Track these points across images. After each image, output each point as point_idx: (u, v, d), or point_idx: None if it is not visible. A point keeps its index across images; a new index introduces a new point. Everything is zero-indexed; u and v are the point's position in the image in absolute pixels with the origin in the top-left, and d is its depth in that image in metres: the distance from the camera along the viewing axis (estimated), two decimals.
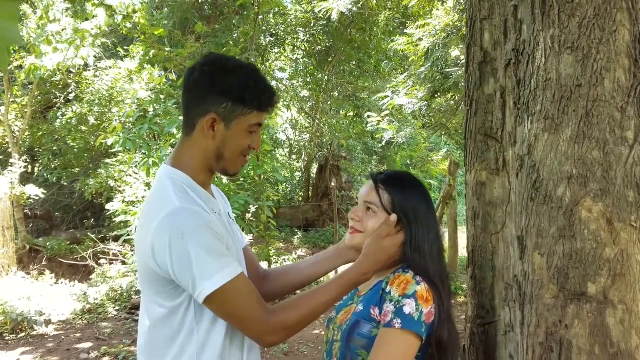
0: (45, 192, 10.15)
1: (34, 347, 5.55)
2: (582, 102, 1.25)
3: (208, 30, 10.50)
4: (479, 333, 1.57)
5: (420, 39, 5.73)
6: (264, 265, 6.83)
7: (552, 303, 1.26)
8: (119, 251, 8.24)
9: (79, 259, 8.71)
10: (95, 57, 8.79)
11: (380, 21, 10.41)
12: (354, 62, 12.07)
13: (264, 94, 1.44)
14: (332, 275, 1.67)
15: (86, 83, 10.11)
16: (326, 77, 12.17)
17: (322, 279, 1.80)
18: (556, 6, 1.29)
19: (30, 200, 9.87)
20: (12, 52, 8.17)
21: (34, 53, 8.14)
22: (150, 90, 7.86)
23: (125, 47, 9.62)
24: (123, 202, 6.99)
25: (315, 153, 13.66)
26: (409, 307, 1.32)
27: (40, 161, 11.77)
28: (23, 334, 5.89)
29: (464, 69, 1.75)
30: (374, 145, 13.62)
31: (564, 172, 1.26)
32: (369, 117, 7.33)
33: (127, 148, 6.44)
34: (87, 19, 8.14)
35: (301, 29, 11.64)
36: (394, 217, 1.44)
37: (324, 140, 13.05)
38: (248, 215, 7.12)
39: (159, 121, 6.62)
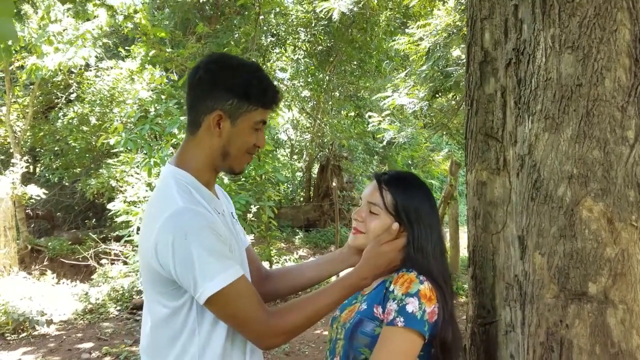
0: (46, 192, 10.17)
1: (35, 347, 5.56)
2: (583, 101, 1.25)
3: (209, 31, 10.51)
4: (480, 333, 1.57)
5: (421, 39, 5.72)
6: (265, 265, 6.82)
7: (552, 303, 1.26)
8: (120, 251, 8.25)
9: (80, 259, 8.72)
10: (96, 57, 8.79)
11: (381, 21, 10.41)
12: (355, 62, 12.07)
13: (268, 91, 1.44)
14: (334, 278, 1.67)
15: (87, 83, 10.12)
16: (327, 77, 12.16)
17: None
18: (556, 5, 1.29)
19: (31, 201, 9.89)
20: (14, 52, 8.18)
21: (35, 53, 8.15)
22: (152, 91, 7.87)
23: (126, 48, 9.62)
24: (124, 202, 7.00)
25: (317, 153, 13.66)
26: (412, 305, 1.32)
27: (42, 161, 11.78)
28: (24, 334, 5.90)
29: (464, 68, 1.75)
30: (375, 145, 13.62)
31: (564, 172, 1.26)
32: (370, 117, 7.33)
33: (129, 148, 6.45)
34: (88, 19, 8.15)
35: (302, 29, 11.64)
36: (395, 226, 1.45)
37: (325, 140, 13.05)
38: (249, 215, 7.13)
39: (160, 121, 6.63)
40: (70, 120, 10.41)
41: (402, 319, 1.31)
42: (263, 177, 7.59)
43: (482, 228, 1.59)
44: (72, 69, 9.45)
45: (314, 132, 13.37)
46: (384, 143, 8.46)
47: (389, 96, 6.29)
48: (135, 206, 6.75)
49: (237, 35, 10.35)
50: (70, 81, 10.79)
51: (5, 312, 6.07)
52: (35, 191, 9.22)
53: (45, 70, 8.17)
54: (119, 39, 11.13)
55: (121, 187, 7.86)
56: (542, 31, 1.31)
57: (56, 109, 11.15)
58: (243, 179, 7.23)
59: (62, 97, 11.15)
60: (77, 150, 10.85)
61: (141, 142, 6.43)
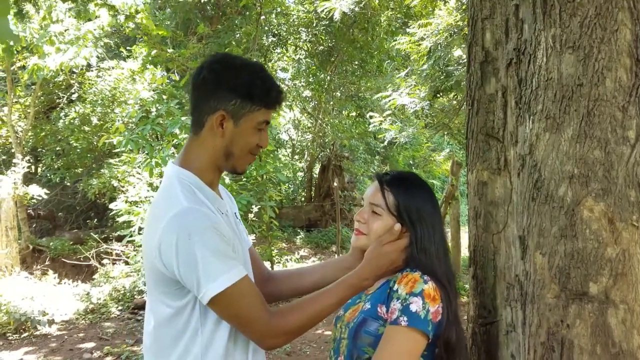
0: (48, 192, 10.19)
1: (37, 346, 5.56)
2: (584, 101, 1.25)
3: (210, 31, 10.51)
4: (481, 333, 1.56)
5: (422, 39, 5.72)
6: (266, 264, 6.82)
7: (553, 303, 1.26)
8: (121, 251, 8.26)
9: (82, 259, 8.73)
10: (98, 57, 8.82)
11: (382, 21, 10.40)
12: (356, 62, 12.06)
13: (271, 91, 1.44)
14: None
15: (89, 83, 10.14)
16: (328, 77, 12.16)
17: None
18: (557, 5, 1.29)
19: (33, 201, 9.91)
20: (16, 52, 8.20)
21: (36, 53, 8.16)
22: (153, 91, 7.88)
23: (127, 48, 9.64)
24: (126, 202, 7.01)
25: (318, 153, 13.66)
26: (416, 305, 1.32)
27: (44, 161, 11.81)
28: (26, 334, 5.91)
29: (465, 68, 1.75)
30: (376, 145, 13.62)
31: (565, 172, 1.26)
32: (371, 117, 7.33)
33: (130, 149, 6.46)
34: (89, 20, 8.16)
35: (303, 29, 11.63)
36: (397, 227, 1.45)
37: (327, 140, 13.05)
38: (250, 216, 7.13)
39: (161, 121, 6.63)
40: (71, 121, 10.42)
41: (405, 319, 1.31)
42: (264, 177, 7.60)
43: (483, 228, 1.58)
44: (74, 69, 9.47)
45: (315, 132, 13.37)
46: (385, 143, 8.46)
47: (389, 96, 6.29)
48: (137, 206, 6.76)
49: (238, 36, 10.36)
50: (72, 81, 10.80)
51: (7, 312, 6.08)
52: (36, 191, 9.23)
53: (46, 71, 8.19)
54: (120, 39, 11.14)
55: (123, 187, 7.87)
56: (543, 31, 1.31)
57: (58, 109, 11.17)
58: (244, 179, 7.24)
59: (63, 97, 11.16)
60: (78, 150, 10.87)
61: (142, 143, 6.44)
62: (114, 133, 7.09)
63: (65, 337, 5.88)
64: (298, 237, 12.46)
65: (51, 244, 9.74)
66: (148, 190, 6.87)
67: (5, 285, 7.20)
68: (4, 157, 11.29)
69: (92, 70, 10.04)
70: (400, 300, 1.34)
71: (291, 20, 11.48)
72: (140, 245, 6.70)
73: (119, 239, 8.05)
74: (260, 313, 1.35)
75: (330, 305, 1.42)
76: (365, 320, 1.40)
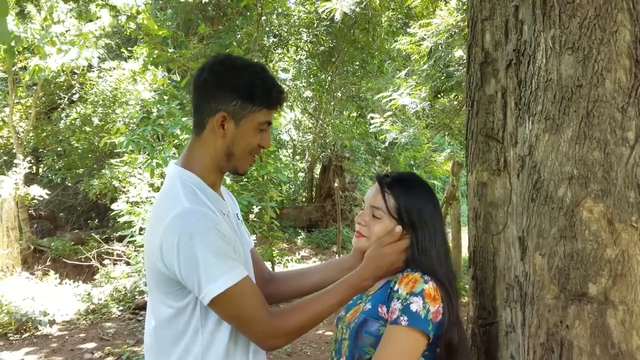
0: (49, 192, 10.20)
1: (38, 347, 5.57)
2: (583, 102, 1.25)
3: (211, 31, 10.52)
4: (480, 334, 1.57)
5: (423, 39, 5.73)
6: (267, 265, 6.82)
7: (552, 303, 1.26)
8: (122, 251, 8.26)
9: (83, 260, 8.74)
10: (99, 58, 8.82)
11: (383, 21, 10.40)
12: (357, 63, 12.07)
13: (272, 92, 1.44)
14: None
15: (90, 84, 10.15)
16: (329, 78, 12.16)
17: None
18: (557, 6, 1.29)
19: (34, 201, 9.91)
20: (17, 53, 8.22)
21: (38, 54, 8.18)
22: (154, 91, 7.89)
23: (129, 48, 9.65)
24: (127, 202, 7.02)
25: (319, 153, 13.67)
26: (416, 304, 1.32)
27: (45, 162, 11.83)
28: (27, 334, 5.92)
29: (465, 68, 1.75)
30: (377, 145, 13.63)
31: (564, 173, 1.26)
32: (372, 118, 7.34)
33: (131, 149, 6.47)
34: (90, 20, 8.17)
35: (304, 30, 11.64)
36: (398, 229, 1.45)
37: (327, 141, 13.06)
38: (251, 216, 7.14)
39: (162, 122, 6.64)
40: (73, 121, 10.44)
41: (405, 318, 1.31)
42: (265, 177, 7.60)
43: (482, 229, 1.59)
44: (75, 70, 9.49)
45: (316, 132, 13.37)
46: (386, 144, 8.46)
47: (390, 96, 6.29)
48: (138, 207, 6.77)
49: (239, 36, 10.37)
50: (73, 82, 10.82)
51: (8, 312, 6.09)
52: (38, 192, 9.24)
53: (48, 71, 8.20)
54: (121, 40, 11.16)
55: (124, 187, 7.88)
56: (543, 32, 1.31)
57: (59, 109, 11.19)
58: (245, 180, 7.24)
59: (64, 97, 11.18)
60: (79, 150, 10.89)
61: (143, 143, 6.45)
62: (115, 134, 7.10)
63: (66, 337, 5.88)
64: (299, 237, 12.47)
65: (52, 244, 9.75)
66: (149, 191, 6.88)
67: (7, 286, 7.21)
68: (5, 158, 11.31)
69: (93, 71, 10.06)
70: (400, 300, 1.34)
71: (292, 20, 11.48)
72: (141, 246, 6.72)
73: (120, 239, 8.06)
74: (261, 314, 1.35)
75: (330, 305, 1.43)
76: (366, 321, 1.40)
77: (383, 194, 1.48)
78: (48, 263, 9.15)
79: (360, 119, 13.15)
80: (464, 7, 5.19)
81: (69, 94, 11.09)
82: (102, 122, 9.81)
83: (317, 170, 14.85)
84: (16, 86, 10.10)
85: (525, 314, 1.33)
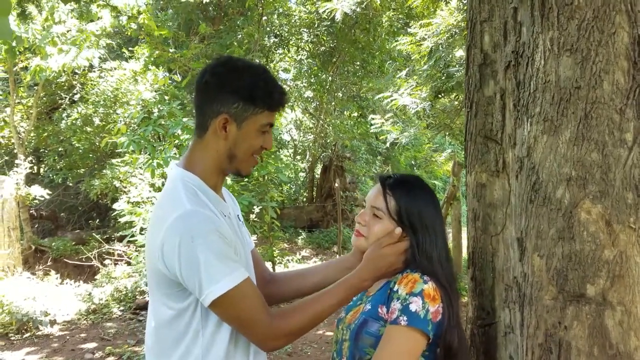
0: (50, 192, 10.21)
1: (39, 347, 5.58)
2: (581, 104, 1.25)
3: (212, 31, 10.53)
4: (479, 334, 1.57)
5: (423, 39, 5.73)
6: (267, 265, 6.82)
7: (551, 304, 1.26)
8: (123, 252, 8.27)
9: (84, 260, 8.75)
10: (100, 58, 8.83)
11: (384, 22, 10.41)
12: (358, 63, 12.07)
13: (274, 94, 1.44)
14: None
15: (91, 84, 10.16)
16: (330, 78, 12.17)
17: None
18: (555, 8, 1.29)
19: (35, 201, 9.93)
20: (18, 53, 8.23)
21: (39, 54, 8.18)
22: (155, 92, 7.89)
23: (130, 49, 9.66)
24: (128, 202, 7.03)
25: (319, 153, 13.67)
26: (416, 304, 1.32)
27: (46, 162, 11.84)
28: (28, 334, 5.93)
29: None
30: (378, 145, 13.63)
31: (563, 174, 1.26)
32: (372, 119, 7.34)
33: (132, 149, 6.48)
34: (92, 21, 8.18)
35: (305, 30, 11.65)
36: (398, 231, 1.45)
37: (328, 141, 13.06)
38: (252, 216, 7.14)
39: (163, 122, 6.64)
40: (74, 121, 10.45)
41: (405, 318, 1.32)
42: (266, 177, 7.60)
43: (481, 230, 1.59)
44: (76, 70, 9.50)
45: (317, 132, 13.38)
46: (387, 144, 8.46)
47: (391, 96, 6.29)
48: (139, 207, 6.78)
49: (240, 36, 10.38)
50: (74, 82, 10.83)
51: (9, 312, 6.09)
52: (39, 192, 9.25)
53: (49, 71, 8.21)
54: (122, 40, 11.17)
55: (125, 187, 7.89)
56: (541, 34, 1.32)
57: (60, 109, 11.20)
58: (246, 180, 7.24)
59: (65, 98, 11.19)
60: (80, 150, 10.90)
61: (144, 143, 6.45)
62: (116, 134, 7.10)
63: (67, 337, 5.89)
64: (299, 237, 12.47)
65: (53, 244, 9.76)
66: (150, 191, 6.89)
67: (8, 286, 7.22)
68: (6, 158, 11.33)
69: (94, 71, 10.07)
70: (400, 301, 1.34)
71: (293, 21, 11.50)
72: (142, 246, 6.72)
73: (121, 239, 8.07)
74: (262, 315, 1.36)
75: (330, 306, 1.43)
76: (366, 322, 1.41)
77: (384, 194, 1.48)
78: (49, 263, 9.16)
79: (361, 119, 13.15)
80: (465, 7, 5.19)
81: (70, 94, 11.10)
82: (103, 122, 9.82)
83: (318, 170, 14.86)
84: (17, 86, 10.11)
85: (524, 314, 1.33)
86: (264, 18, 10.29)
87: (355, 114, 13.78)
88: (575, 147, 1.25)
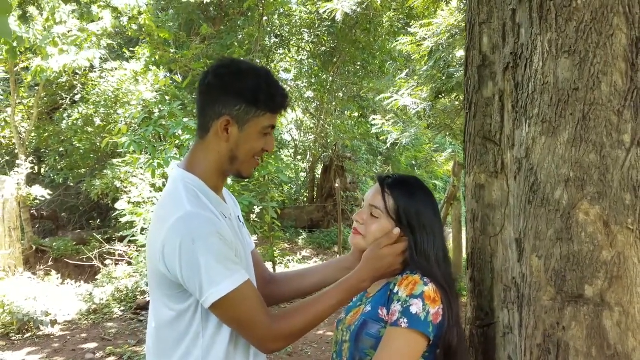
0: (51, 192, 10.22)
1: (39, 347, 5.58)
2: (579, 105, 1.26)
3: (213, 32, 10.54)
4: (478, 335, 1.57)
5: (423, 39, 5.73)
6: (268, 265, 6.83)
7: (549, 305, 1.26)
8: (124, 252, 8.28)
9: (84, 260, 8.76)
10: (101, 58, 8.84)
11: (384, 22, 10.41)
12: (359, 63, 12.08)
13: (276, 96, 1.45)
14: None
15: (92, 84, 10.17)
16: (331, 78, 12.18)
17: None
18: (553, 10, 1.30)
19: (36, 201, 9.94)
20: (19, 53, 8.24)
21: (40, 55, 8.20)
22: (156, 92, 7.90)
23: (130, 49, 9.67)
24: (129, 202, 7.03)
25: (320, 154, 13.68)
26: (416, 307, 1.33)
27: (47, 162, 11.85)
28: (29, 334, 5.94)
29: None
30: (378, 145, 13.63)
31: (561, 175, 1.27)
32: (373, 119, 7.34)
33: (133, 150, 6.48)
34: (93, 21, 8.19)
35: (306, 30, 11.66)
36: (396, 231, 1.45)
37: (329, 141, 13.07)
38: (252, 216, 7.14)
39: (164, 122, 6.65)
40: (74, 121, 10.46)
41: (405, 320, 1.32)
42: (266, 177, 7.61)
43: (480, 231, 1.59)
44: (77, 71, 9.50)
45: (318, 132, 13.38)
46: (388, 144, 8.46)
47: (391, 97, 6.30)
48: (140, 207, 6.78)
49: (241, 37, 10.39)
50: (75, 82, 10.85)
51: (10, 313, 6.10)
52: (40, 192, 9.27)
53: (50, 72, 8.22)
54: (123, 41, 11.18)
55: (125, 187, 7.89)
56: (540, 35, 1.32)
57: (61, 110, 11.21)
58: (246, 180, 7.25)
59: (66, 98, 11.21)
60: (81, 151, 10.91)
61: (145, 144, 6.46)
62: (117, 134, 7.11)
63: (68, 337, 5.90)
64: (300, 237, 12.47)
65: (54, 244, 9.77)
66: (151, 191, 6.89)
67: (9, 286, 7.22)
68: (7, 158, 11.35)
69: (95, 72, 10.08)
70: (400, 303, 1.35)
71: (293, 21, 11.50)
72: (143, 246, 6.73)
73: (122, 239, 8.07)
74: (262, 317, 1.36)
75: (330, 306, 1.44)
76: (366, 323, 1.41)
77: (383, 194, 1.49)
78: (50, 263, 9.17)
79: (362, 119, 13.16)
80: (465, 8, 5.19)
81: (71, 95, 11.12)
82: (104, 123, 9.83)
83: (319, 170, 14.86)
84: (18, 87, 10.13)
85: (523, 315, 1.34)
86: (265, 18, 10.29)
87: (356, 114, 13.79)
88: (573, 148, 1.26)
